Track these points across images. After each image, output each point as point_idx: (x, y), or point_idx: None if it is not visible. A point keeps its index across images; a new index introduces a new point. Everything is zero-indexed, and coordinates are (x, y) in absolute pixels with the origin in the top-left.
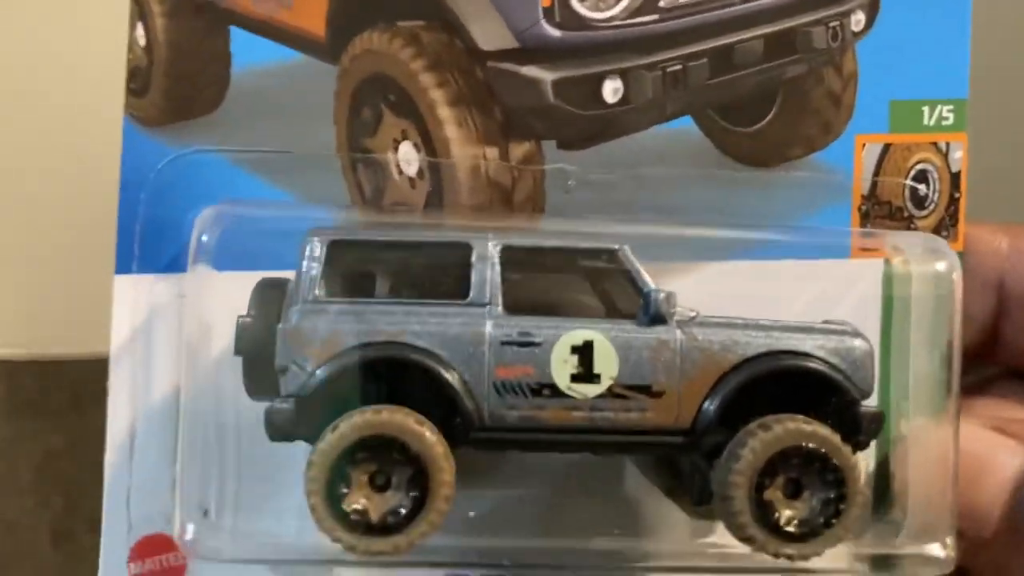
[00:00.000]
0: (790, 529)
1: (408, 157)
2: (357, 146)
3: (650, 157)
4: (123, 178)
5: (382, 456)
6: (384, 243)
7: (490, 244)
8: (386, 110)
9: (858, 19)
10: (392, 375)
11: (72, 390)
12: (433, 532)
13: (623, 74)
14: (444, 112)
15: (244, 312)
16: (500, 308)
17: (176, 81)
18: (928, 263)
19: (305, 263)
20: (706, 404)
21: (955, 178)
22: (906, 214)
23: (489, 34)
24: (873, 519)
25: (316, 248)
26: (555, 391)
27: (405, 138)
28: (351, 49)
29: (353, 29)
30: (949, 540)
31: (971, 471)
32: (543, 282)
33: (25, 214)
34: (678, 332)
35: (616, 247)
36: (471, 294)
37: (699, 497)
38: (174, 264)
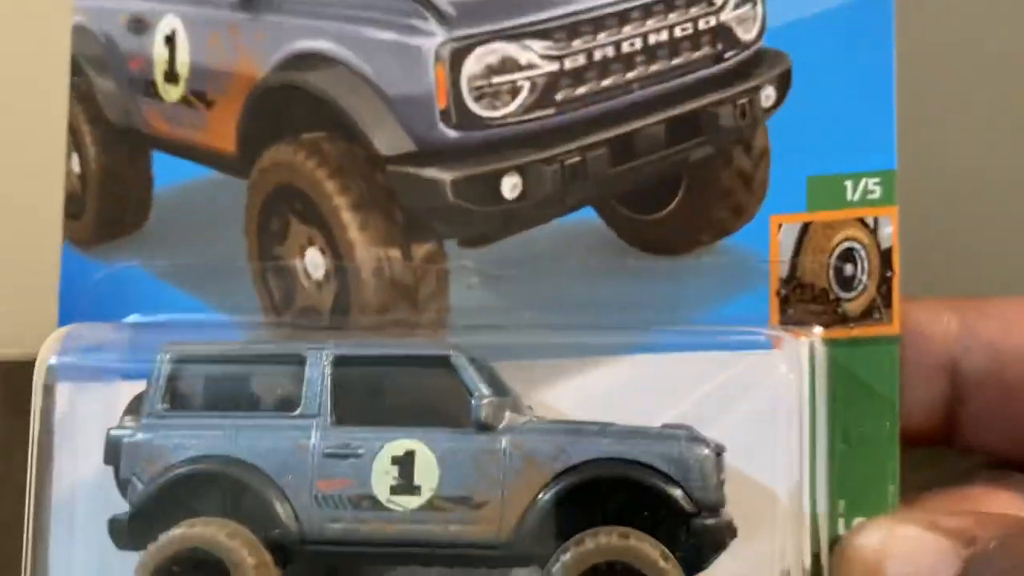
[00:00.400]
0: None
1: (315, 262)
2: (267, 255)
3: (556, 250)
4: (61, 294)
5: (195, 571)
6: (225, 356)
7: (323, 354)
8: (293, 218)
9: (768, 94)
10: (217, 490)
11: None
12: None
13: (521, 170)
14: (347, 216)
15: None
16: (329, 419)
17: (106, 204)
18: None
19: (153, 377)
20: (527, 516)
21: (886, 255)
22: (832, 296)
23: (388, 139)
24: None
25: (163, 362)
26: (375, 503)
27: (312, 244)
28: (259, 163)
29: (261, 144)
30: None
31: None
32: (376, 391)
33: (27, 216)
34: (504, 440)
35: (448, 353)
36: (300, 406)
37: None
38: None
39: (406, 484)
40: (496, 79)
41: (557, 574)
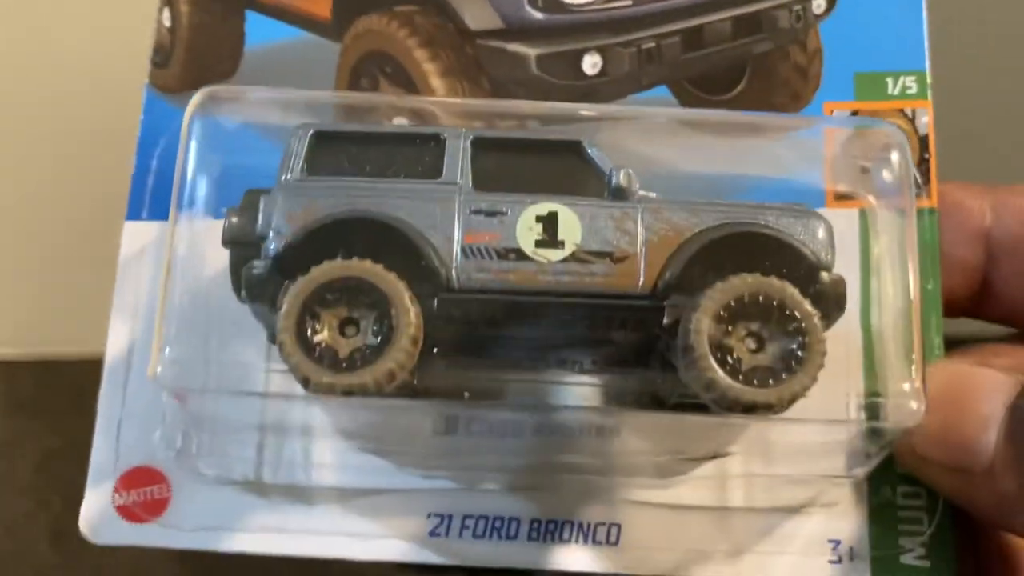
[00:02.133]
0: (751, 374)
1: (402, 125)
2: (355, 116)
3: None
4: (141, 137)
5: (350, 299)
6: (364, 134)
7: (462, 134)
8: (383, 80)
9: (819, 3)
10: (366, 237)
11: (71, 390)
12: (400, 373)
13: (601, 50)
14: (436, 82)
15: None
16: (470, 186)
17: (195, 56)
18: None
19: (290, 148)
20: (667, 268)
21: (923, 141)
22: None
23: (478, 16)
24: None
25: (301, 136)
26: (520, 255)
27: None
28: (353, 29)
29: (355, 12)
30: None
31: (959, 402)
32: (511, 170)
33: (27, 216)
34: (640, 206)
35: (579, 140)
36: (443, 174)
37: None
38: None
39: (550, 239)
40: None
41: (705, 303)
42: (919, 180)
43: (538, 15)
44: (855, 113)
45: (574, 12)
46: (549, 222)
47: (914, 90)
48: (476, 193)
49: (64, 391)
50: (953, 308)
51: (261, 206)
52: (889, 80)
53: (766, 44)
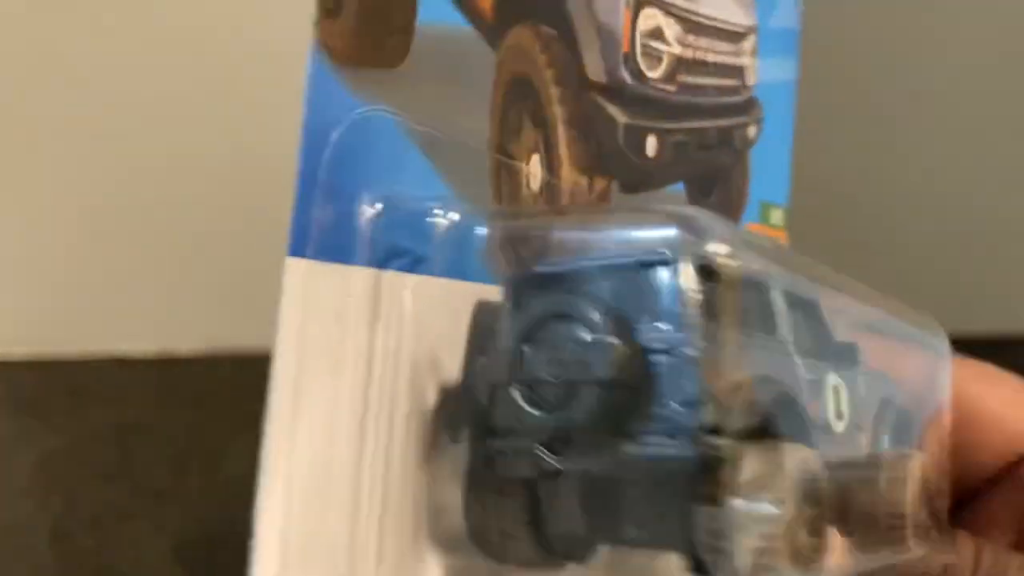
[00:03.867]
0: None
1: (536, 171)
2: (505, 149)
3: None
4: (306, 125)
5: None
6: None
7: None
8: (526, 117)
9: (752, 129)
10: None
11: (72, 390)
12: None
13: (658, 132)
14: (562, 131)
15: None
16: (793, 346)
17: (368, 9)
18: None
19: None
20: (876, 434)
21: None
22: None
23: (593, 63)
24: None
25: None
26: (827, 427)
27: (537, 151)
28: (506, 39)
29: (512, 18)
30: None
31: None
32: (798, 327)
33: (27, 215)
34: (858, 375)
35: (816, 298)
36: (778, 329)
37: None
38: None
39: (837, 411)
40: (651, 42)
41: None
42: None
43: (629, 79)
44: None
45: (648, 86)
46: (836, 395)
47: (781, 223)
48: (798, 356)
49: (64, 391)
50: None
51: None
52: (773, 210)
53: (728, 159)
